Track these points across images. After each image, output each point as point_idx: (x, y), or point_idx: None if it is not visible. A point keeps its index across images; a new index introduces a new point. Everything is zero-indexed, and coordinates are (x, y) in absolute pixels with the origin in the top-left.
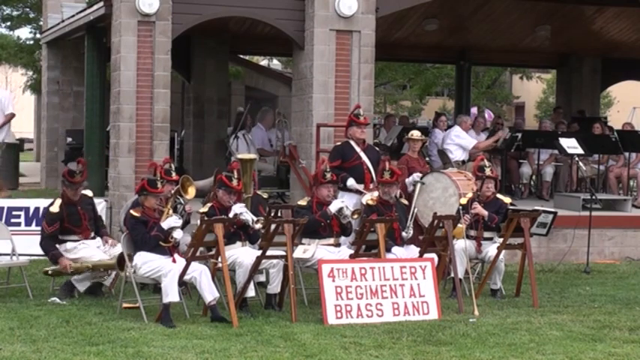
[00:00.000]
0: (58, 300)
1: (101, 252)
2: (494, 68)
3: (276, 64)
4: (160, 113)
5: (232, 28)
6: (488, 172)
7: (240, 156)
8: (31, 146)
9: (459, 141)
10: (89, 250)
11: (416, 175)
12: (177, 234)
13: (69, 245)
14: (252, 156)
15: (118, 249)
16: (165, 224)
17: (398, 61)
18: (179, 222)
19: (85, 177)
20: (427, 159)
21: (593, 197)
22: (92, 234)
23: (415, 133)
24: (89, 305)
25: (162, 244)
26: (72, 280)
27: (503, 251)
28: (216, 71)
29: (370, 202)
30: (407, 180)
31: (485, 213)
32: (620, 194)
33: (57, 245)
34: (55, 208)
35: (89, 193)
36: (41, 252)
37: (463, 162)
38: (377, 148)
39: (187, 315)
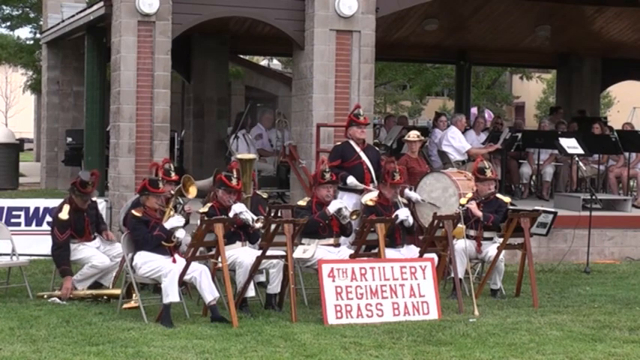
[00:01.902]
0: (58, 300)
1: (100, 253)
2: (494, 68)
3: (276, 64)
4: (160, 113)
5: (232, 28)
6: (488, 173)
7: (239, 156)
8: (31, 146)
9: (453, 143)
10: (89, 251)
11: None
12: (180, 234)
13: None
14: (252, 156)
15: (117, 247)
16: (168, 224)
17: (398, 61)
18: (182, 222)
19: (96, 187)
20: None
21: (593, 197)
22: (92, 235)
23: (412, 134)
24: (89, 305)
25: (165, 244)
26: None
27: (503, 251)
28: (216, 71)
29: (369, 203)
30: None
31: (480, 214)
32: (620, 194)
33: None
34: (64, 215)
35: (95, 197)
36: (41, 252)
37: (463, 162)
38: (377, 148)
39: (187, 315)
